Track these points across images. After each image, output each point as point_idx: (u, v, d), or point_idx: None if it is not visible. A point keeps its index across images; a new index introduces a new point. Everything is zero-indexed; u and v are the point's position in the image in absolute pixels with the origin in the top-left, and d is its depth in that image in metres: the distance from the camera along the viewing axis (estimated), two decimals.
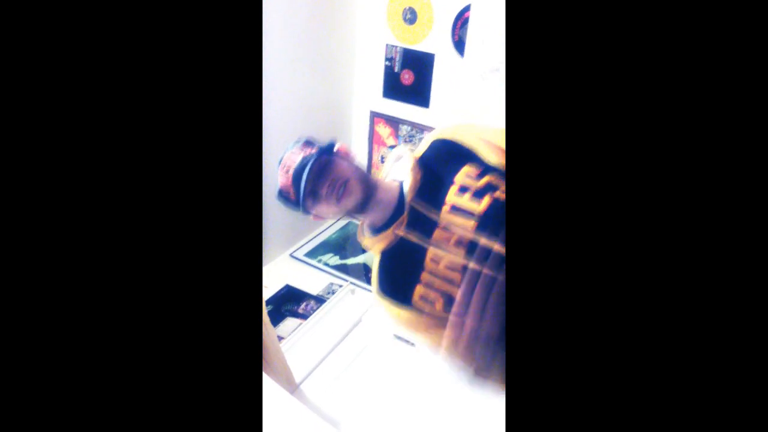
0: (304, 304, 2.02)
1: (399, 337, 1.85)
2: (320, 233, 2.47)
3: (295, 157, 0.88)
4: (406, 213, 0.90)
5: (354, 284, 2.10)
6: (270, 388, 1.26)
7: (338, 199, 0.87)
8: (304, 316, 1.94)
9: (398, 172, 0.97)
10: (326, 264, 2.25)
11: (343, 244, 2.41)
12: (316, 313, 1.95)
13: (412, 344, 1.82)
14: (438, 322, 0.93)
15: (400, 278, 0.94)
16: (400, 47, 2.21)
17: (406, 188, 0.91)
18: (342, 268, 2.22)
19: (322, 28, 2.13)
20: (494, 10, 1.89)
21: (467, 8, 1.96)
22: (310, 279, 2.15)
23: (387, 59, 2.27)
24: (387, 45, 2.24)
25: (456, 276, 0.86)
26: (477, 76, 2.04)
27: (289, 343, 1.79)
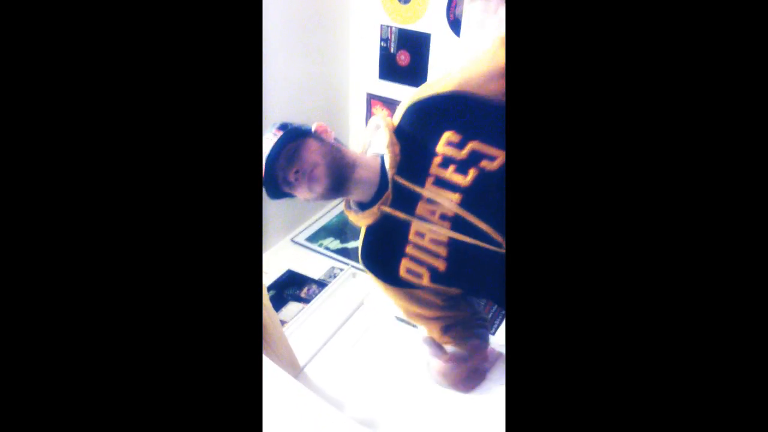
0: (306, 288, 2.03)
1: (401, 319, 1.87)
2: (320, 218, 2.48)
3: (268, 143, 0.87)
4: (390, 189, 0.88)
5: (355, 268, 2.11)
6: (274, 372, 1.28)
7: (309, 185, 0.85)
8: (307, 300, 1.96)
9: (378, 143, 0.94)
10: (327, 248, 2.27)
11: (343, 228, 2.42)
12: (318, 296, 1.97)
13: (414, 326, 1.84)
14: (425, 296, 0.93)
15: (384, 253, 0.94)
16: (396, 28, 2.18)
17: (387, 163, 0.89)
18: (343, 252, 2.24)
19: (316, 10, 2.10)
20: None
21: None
22: (312, 263, 2.16)
23: (382, 40, 2.24)
24: (382, 26, 2.21)
25: (441, 250, 0.86)
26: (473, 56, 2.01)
27: (292, 327, 1.81)
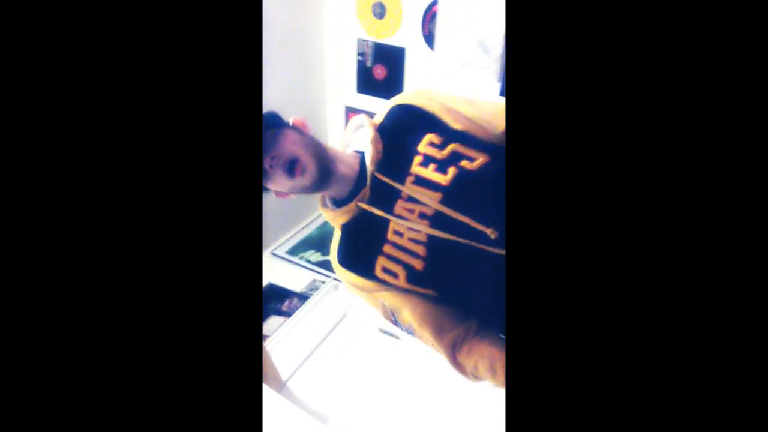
0: (288, 301, 2.03)
1: (384, 331, 1.87)
2: (301, 230, 2.48)
3: None
4: (368, 185, 0.86)
5: (337, 280, 2.11)
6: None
7: (291, 177, 0.82)
8: (288, 314, 1.95)
9: (359, 142, 0.93)
10: (308, 261, 2.26)
11: (324, 240, 2.42)
12: (299, 310, 1.96)
13: (398, 337, 1.85)
14: (400, 293, 0.90)
15: (361, 252, 0.91)
16: (372, 42, 2.21)
17: (368, 159, 0.88)
18: (324, 264, 2.24)
19: (293, 25, 2.12)
20: (461, 3, 1.90)
21: (435, 2, 1.97)
22: (293, 276, 2.15)
23: (359, 54, 2.27)
24: (358, 40, 2.24)
25: (420, 249, 0.84)
26: (448, 68, 2.05)
27: (273, 341, 1.80)
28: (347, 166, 0.89)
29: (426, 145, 0.85)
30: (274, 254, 2.30)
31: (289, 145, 0.83)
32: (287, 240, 2.40)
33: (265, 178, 0.85)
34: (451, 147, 0.84)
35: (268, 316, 1.94)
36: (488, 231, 0.80)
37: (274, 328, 1.87)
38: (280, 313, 1.96)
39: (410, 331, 0.92)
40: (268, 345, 1.76)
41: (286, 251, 2.32)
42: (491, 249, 0.80)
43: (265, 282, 2.11)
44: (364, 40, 2.23)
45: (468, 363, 0.87)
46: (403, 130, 0.90)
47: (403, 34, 2.12)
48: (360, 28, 2.21)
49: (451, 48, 2.01)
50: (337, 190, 0.90)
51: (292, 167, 0.82)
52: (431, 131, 0.86)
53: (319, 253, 2.31)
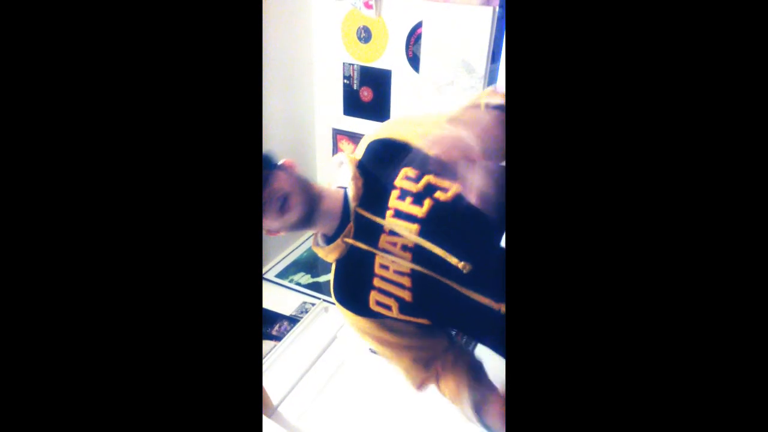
0: (278, 325, 2.00)
1: (375, 351, 1.85)
2: (290, 253, 2.47)
3: None
4: (352, 221, 0.90)
5: (327, 301, 2.10)
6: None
7: (280, 214, 0.85)
8: (278, 338, 1.92)
9: (342, 178, 0.97)
10: (298, 283, 2.25)
11: (313, 262, 2.41)
12: (290, 333, 1.94)
13: None
14: (398, 328, 0.94)
15: (354, 286, 0.95)
16: (357, 65, 2.25)
17: (350, 195, 0.91)
18: (314, 287, 2.22)
19: (281, 49, 2.15)
20: (445, 25, 1.95)
21: (419, 25, 2.01)
22: (282, 300, 2.13)
23: (345, 77, 2.30)
24: (344, 63, 2.28)
25: (405, 281, 0.87)
26: (433, 89, 2.09)
27: (264, 366, 1.77)
28: (332, 201, 0.92)
29: (402, 179, 0.88)
30: (263, 279, 2.28)
31: (279, 184, 0.86)
32: (276, 264, 2.38)
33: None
34: (425, 179, 0.87)
35: None
36: (460, 265, 0.82)
37: (264, 353, 1.85)
38: (270, 337, 1.93)
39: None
40: None
41: (275, 275, 2.30)
42: (460, 288, 0.83)
43: None
44: (349, 64, 2.27)
45: (445, 391, 0.98)
46: (381, 165, 0.93)
47: (389, 56, 2.16)
48: (345, 52, 2.25)
49: (435, 69, 2.05)
50: (324, 226, 0.93)
51: (282, 204, 0.85)
52: (407, 165, 0.90)
53: (308, 276, 2.30)
